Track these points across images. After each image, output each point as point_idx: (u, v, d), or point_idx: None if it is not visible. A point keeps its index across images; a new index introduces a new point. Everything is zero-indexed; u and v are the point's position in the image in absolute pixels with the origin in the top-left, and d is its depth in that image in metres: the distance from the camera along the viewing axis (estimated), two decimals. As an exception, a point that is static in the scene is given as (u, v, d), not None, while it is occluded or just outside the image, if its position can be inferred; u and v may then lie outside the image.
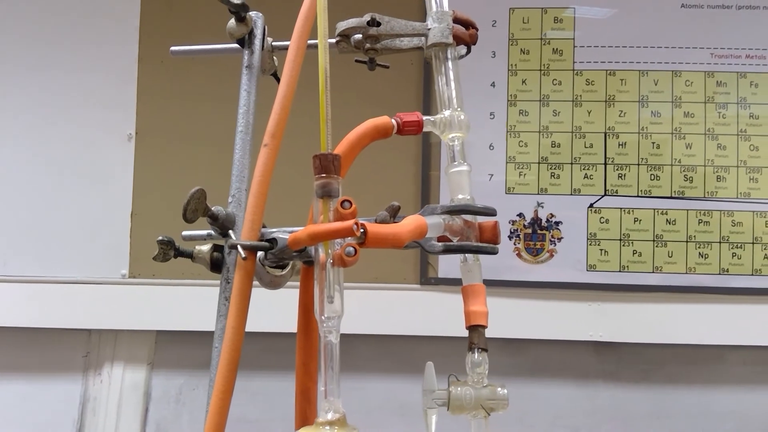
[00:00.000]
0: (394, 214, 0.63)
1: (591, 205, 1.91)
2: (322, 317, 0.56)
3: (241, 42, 0.76)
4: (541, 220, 1.91)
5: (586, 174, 1.91)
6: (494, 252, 0.66)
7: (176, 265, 1.88)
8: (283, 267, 0.71)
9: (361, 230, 0.55)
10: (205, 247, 0.68)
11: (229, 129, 2.04)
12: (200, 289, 1.91)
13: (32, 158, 1.98)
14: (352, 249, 0.55)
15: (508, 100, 1.94)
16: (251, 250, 0.64)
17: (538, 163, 1.92)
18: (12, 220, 1.97)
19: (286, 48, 0.75)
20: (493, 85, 1.95)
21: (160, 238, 0.65)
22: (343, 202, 0.56)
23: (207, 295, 1.86)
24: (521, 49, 1.95)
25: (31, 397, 1.97)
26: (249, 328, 0.69)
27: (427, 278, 1.92)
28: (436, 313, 1.90)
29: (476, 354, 0.63)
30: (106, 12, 2.02)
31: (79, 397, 1.97)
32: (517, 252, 1.91)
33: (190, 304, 1.91)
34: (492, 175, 1.92)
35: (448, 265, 1.90)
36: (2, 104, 2.00)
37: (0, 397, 1.97)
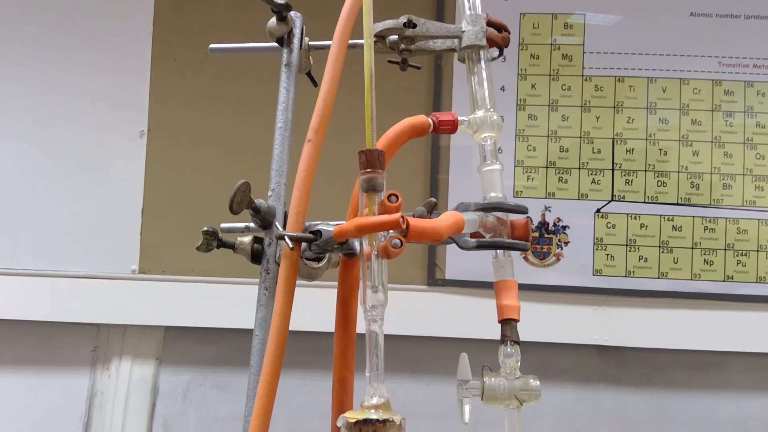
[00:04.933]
0: (431, 210, 0.65)
1: (598, 210, 1.93)
2: (367, 306, 0.59)
3: (280, 41, 0.78)
4: (548, 224, 1.93)
5: (593, 179, 1.93)
6: (526, 249, 0.68)
7: (186, 262, 1.92)
8: (319, 260, 0.73)
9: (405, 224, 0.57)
10: (246, 239, 0.70)
11: (240, 127, 2.07)
12: (209, 285, 1.92)
13: (44, 154, 2.00)
14: (398, 241, 0.57)
15: (517, 105, 1.96)
16: (297, 241, 0.66)
17: (546, 167, 1.94)
18: (23, 214, 1.98)
19: (322, 47, 0.78)
20: (503, 89, 1.97)
21: (205, 228, 0.67)
22: (389, 195, 0.58)
23: (216, 292, 1.89)
24: (531, 54, 1.97)
25: (39, 391, 1.98)
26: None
27: (434, 279, 1.93)
28: (442, 315, 1.92)
29: (509, 346, 0.65)
30: (119, 10, 2.03)
31: (86, 391, 1.98)
32: (524, 255, 1.93)
33: (199, 300, 1.93)
34: (501, 178, 1.93)
35: (455, 267, 1.92)
36: (17, 101, 2.01)
37: (8, 390, 1.97)
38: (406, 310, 1.89)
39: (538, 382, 0.64)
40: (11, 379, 1.98)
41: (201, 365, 1.98)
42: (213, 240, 0.68)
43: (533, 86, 1.96)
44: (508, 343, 0.66)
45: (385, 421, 0.55)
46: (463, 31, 0.75)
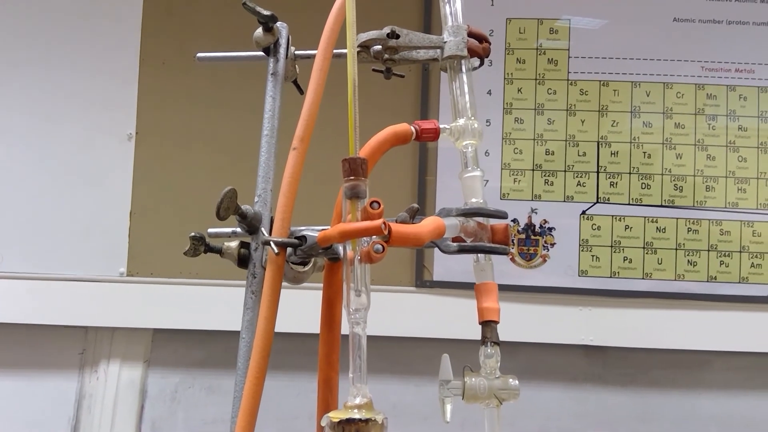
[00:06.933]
0: (414, 215, 0.67)
1: (583, 212, 1.95)
2: (351, 309, 0.61)
3: (266, 50, 0.80)
4: (534, 225, 1.95)
5: (579, 181, 1.96)
6: (506, 252, 0.70)
7: (174, 264, 1.93)
8: (305, 264, 0.75)
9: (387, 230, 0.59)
10: (233, 244, 0.72)
11: (228, 131, 2.08)
12: (198, 288, 1.93)
13: (33, 156, 2.00)
14: (380, 246, 0.59)
15: (504, 108, 1.98)
16: (282, 246, 0.68)
17: (533, 170, 1.96)
18: (11, 216, 1.98)
19: (308, 57, 0.80)
20: (489, 93, 1.99)
21: (192, 234, 0.68)
22: (372, 202, 0.60)
23: (204, 295, 1.90)
24: (517, 59, 2.00)
25: (27, 394, 1.98)
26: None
27: (422, 281, 1.95)
28: (430, 316, 1.94)
29: (489, 347, 0.67)
30: (108, 13, 2.04)
31: (74, 394, 1.98)
32: (510, 257, 1.95)
33: (187, 303, 1.94)
34: (487, 181, 1.96)
35: (442, 269, 1.94)
36: (4, 103, 2.01)
37: (-4, 392, 1.98)
38: (395, 312, 1.91)
39: (516, 382, 0.66)
40: (-1, 382, 1.99)
41: (190, 367, 1.99)
42: (200, 245, 0.70)
43: (519, 90, 1.99)
44: (489, 344, 0.68)
45: (367, 421, 0.56)
46: (445, 42, 0.77)
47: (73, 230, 1.98)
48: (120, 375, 1.98)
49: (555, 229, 1.95)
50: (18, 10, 2.03)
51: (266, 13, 0.75)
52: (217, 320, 1.85)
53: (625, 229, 1.94)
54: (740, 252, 1.94)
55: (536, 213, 1.95)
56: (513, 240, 1.94)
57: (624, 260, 1.93)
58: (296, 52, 0.82)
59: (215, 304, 1.89)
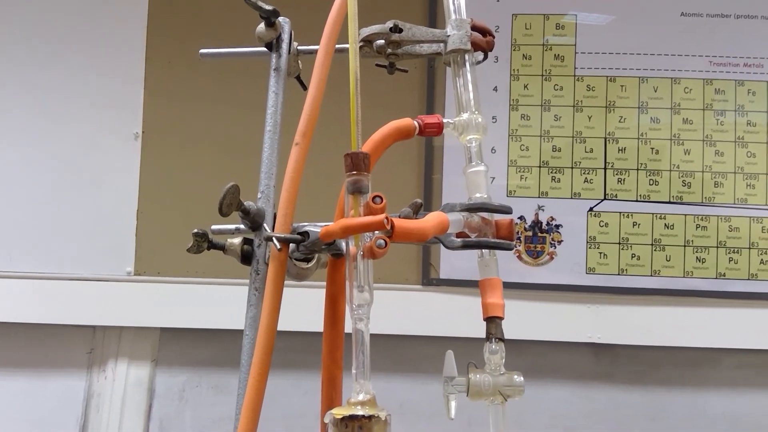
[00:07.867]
0: (417, 211, 0.66)
1: (591, 209, 1.94)
2: (354, 305, 0.60)
3: (269, 46, 0.79)
4: (541, 223, 1.95)
5: (586, 178, 1.95)
6: (510, 248, 0.70)
7: (181, 263, 1.93)
8: (308, 260, 0.74)
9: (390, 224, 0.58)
10: (236, 240, 0.72)
11: (234, 129, 2.07)
12: (204, 287, 1.93)
13: (39, 156, 2.01)
14: (382, 241, 0.59)
15: (510, 105, 1.97)
16: (285, 242, 0.67)
17: (539, 166, 1.96)
18: (19, 216, 1.99)
19: (311, 52, 0.79)
20: (495, 89, 1.98)
21: (195, 230, 0.68)
22: (374, 197, 0.60)
23: (211, 293, 1.90)
24: (523, 55, 1.99)
25: (36, 393, 1.98)
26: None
27: (428, 279, 1.95)
28: (437, 314, 1.93)
29: (493, 343, 0.67)
30: (113, 12, 2.04)
31: (83, 393, 1.99)
32: (517, 254, 1.94)
33: (195, 301, 1.94)
34: (494, 178, 1.95)
35: (449, 267, 1.94)
36: (11, 103, 2.02)
37: (4, 392, 1.98)
38: (402, 310, 1.90)
39: (521, 378, 0.66)
40: (7, 381, 1.99)
41: (197, 366, 1.99)
42: (203, 242, 0.70)
43: (526, 86, 1.98)
44: (493, 340, 0.67)
45: (370, 417, 0.56)
46: (449, 36, 0.77)
47: (80, 230, 1.99)
48: (128, 374, 1.99)
49: (562, 226, 1.94)
50: (22, 9, 2.04)
51: (268, 8, 0.75)
52: (224, 319, 1.84)
53: (633, 225, 1.93)
54: (749, 248, 1.92)
55: (543, 210, 1.94)
56: (520, 237, 1.93)
57: (632, 257, 1.92)
58: (299, 48, 0.81)
59: (222, 302, 1.88)
